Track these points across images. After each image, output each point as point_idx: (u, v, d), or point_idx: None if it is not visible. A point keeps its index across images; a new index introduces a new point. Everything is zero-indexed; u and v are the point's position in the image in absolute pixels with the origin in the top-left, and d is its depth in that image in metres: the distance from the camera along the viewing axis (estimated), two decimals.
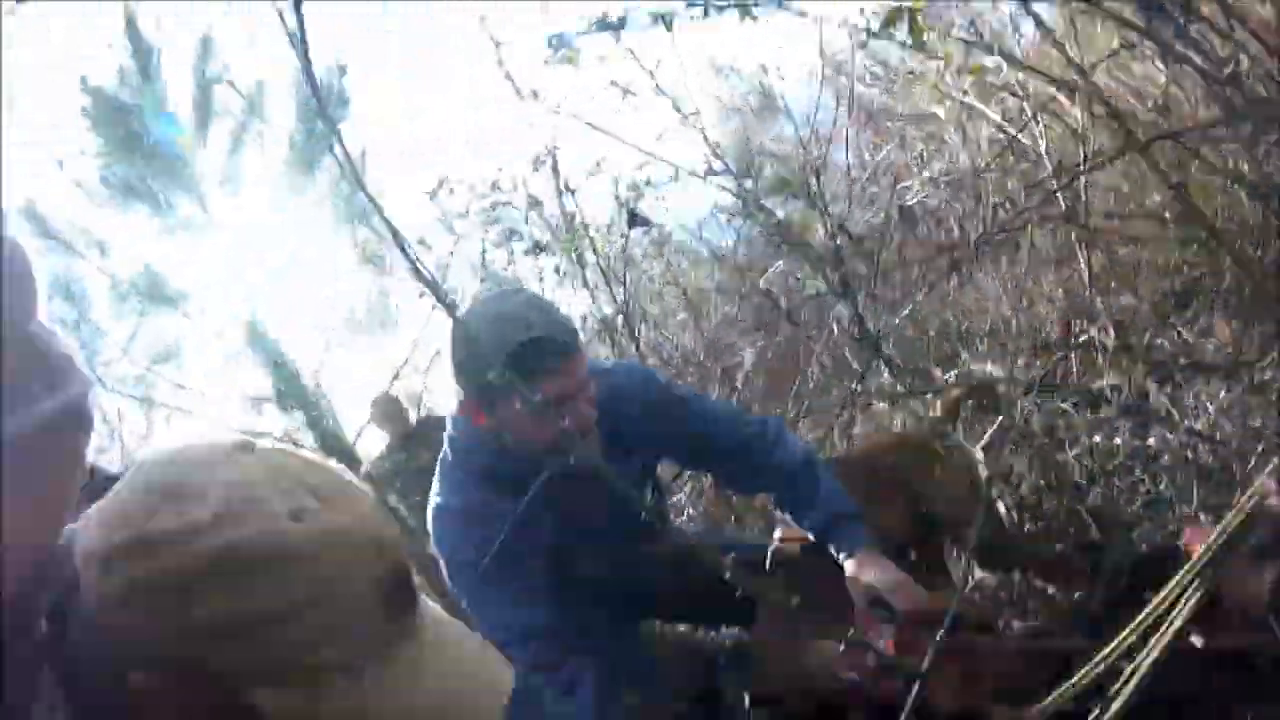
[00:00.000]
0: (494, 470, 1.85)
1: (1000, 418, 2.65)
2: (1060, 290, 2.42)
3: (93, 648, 0.73)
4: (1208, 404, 1.79)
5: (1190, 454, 1.82)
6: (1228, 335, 1.82)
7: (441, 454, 1.97)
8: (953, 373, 2.98)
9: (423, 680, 0.76)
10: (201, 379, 3.66)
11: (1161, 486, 1.89)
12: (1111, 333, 2.11)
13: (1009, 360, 2.74)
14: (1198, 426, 1.81)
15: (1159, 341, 2.07)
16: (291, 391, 3.27)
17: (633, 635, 2.32)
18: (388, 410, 3.95)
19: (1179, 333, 1.87)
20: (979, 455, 2.57)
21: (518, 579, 1.78)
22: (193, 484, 0.72)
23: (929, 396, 2.95)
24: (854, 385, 2.85)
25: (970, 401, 2.79)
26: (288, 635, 0.69)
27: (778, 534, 2.01)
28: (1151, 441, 1.95)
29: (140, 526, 0.71)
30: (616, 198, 3.75)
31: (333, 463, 0.86)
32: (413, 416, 4.13)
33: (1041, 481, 2.41)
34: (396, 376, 4.12)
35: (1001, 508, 2.38)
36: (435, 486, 1.93)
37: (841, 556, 1.84)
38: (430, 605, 0.82)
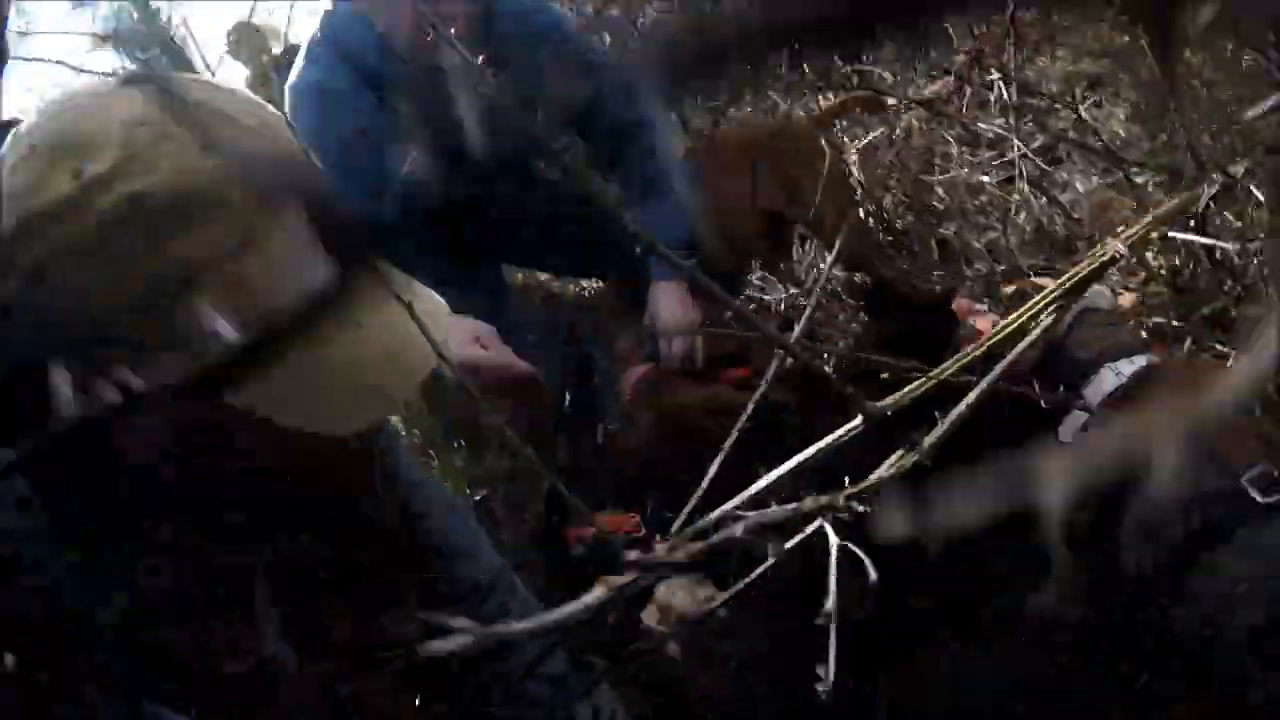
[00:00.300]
0: (360, 57, 1.77)
1: (884, 127, 2.80)
2: (985, 24, 2.46)
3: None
4: (1077, 183, 2.02)
5: (1045, 221, 2.07)
6: (1122, 131, 2.01)
7: (311, 33, 1.85)
8: (848, 68, 3.03)
9: (377, 322, 0.66)
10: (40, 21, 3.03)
11: (1009, 240, 2.15)
12: (1014, 85, 2.24)
13: (909, 71, 2.83)
14: (1062, 198, 2.05)
15: (1055, 106, 2.23)
16: (147, 24, 2.77)
17: (495, 273, 2.31)
18: (246, 40, 3.47)
19: (1077, 110, 2.03)
20: (854, 157, 2.75)
21: (368, 179, 1.65)
22: (84, 133, 0.60)
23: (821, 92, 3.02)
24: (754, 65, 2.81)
25: (859, 106, 2.90)
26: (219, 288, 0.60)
27: None
28: (1016, 197, 2.18)
29: (35, 198, 0.59)
30: None
31: (238, 86, 0.73)
32: (275, 48, 3.65)
33: (904, 199, 2.62)
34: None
35: (861, 213, 2.60)
36: (297, 65, 1.83)
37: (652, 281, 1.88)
38: None
